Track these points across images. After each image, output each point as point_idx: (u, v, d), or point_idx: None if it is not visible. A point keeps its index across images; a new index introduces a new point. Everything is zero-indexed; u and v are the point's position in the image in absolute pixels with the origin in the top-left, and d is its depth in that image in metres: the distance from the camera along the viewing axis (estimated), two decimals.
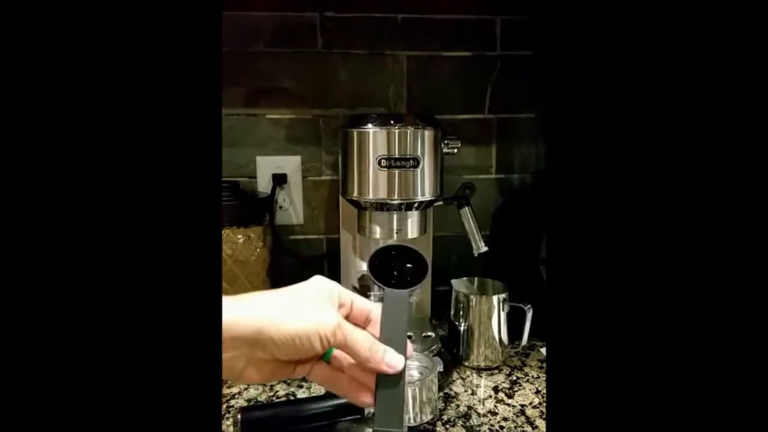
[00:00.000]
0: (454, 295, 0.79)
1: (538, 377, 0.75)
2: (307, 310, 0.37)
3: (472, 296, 0.77)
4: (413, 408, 0.61)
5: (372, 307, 0.41)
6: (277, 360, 0.37)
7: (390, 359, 0.37)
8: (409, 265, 0.44)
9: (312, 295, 0.38)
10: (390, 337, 0.39)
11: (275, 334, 0.35)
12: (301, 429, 0.57)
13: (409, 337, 0.78)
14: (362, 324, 0.40)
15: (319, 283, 0.39)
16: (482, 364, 0.77)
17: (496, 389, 0.72)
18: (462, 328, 0.78)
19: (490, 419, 0.64)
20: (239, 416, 0.55)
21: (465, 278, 0.83)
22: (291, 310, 0.36)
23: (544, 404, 0.67)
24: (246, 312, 0.35)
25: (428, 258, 0.84)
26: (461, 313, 0.78)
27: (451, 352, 0.79)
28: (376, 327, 0.40)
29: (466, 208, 0.77)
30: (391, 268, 0.43)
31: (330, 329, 0.36)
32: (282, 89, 0.92)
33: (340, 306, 0.39)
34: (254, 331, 0.35)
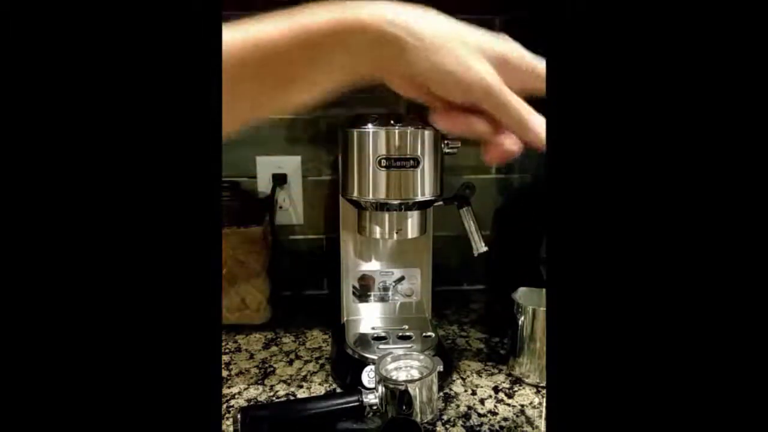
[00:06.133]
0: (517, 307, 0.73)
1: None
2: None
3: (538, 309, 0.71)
4: (413, 408, 0.61)
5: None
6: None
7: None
8: None
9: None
10: None
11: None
12: (301, 429, 0.57)
13: (409, 337, 0.78)
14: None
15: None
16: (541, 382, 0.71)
17: (496, 389, 0.72)
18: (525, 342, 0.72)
19: (490, 419, 0.64)
20: (239, 416, 0.55)
21: (526, 288, 0.77)
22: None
23: (544, 404, 0.67)
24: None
25: (428, 258, 0.84)
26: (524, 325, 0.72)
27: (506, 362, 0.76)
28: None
29: (466, 208, 0.76)
30: None
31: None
32: None
33: None
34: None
